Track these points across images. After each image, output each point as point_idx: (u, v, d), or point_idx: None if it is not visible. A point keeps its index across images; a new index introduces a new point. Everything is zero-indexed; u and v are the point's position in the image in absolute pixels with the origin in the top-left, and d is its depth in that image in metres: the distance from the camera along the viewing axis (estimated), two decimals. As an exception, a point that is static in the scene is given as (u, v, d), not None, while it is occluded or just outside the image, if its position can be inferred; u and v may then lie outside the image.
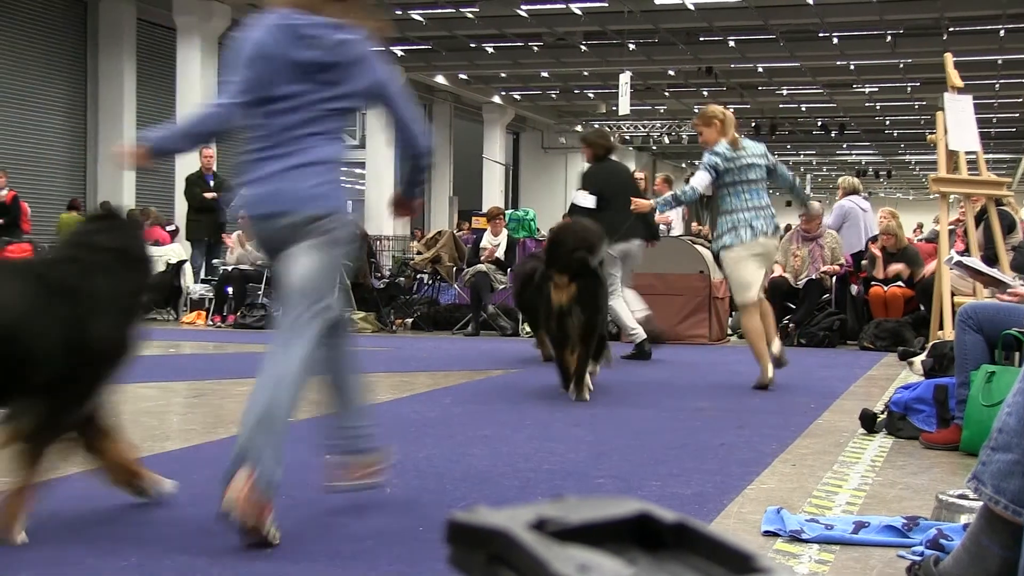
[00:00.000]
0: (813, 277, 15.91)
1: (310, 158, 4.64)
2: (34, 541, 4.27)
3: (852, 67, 36.18)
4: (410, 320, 18.27)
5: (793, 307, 16.00)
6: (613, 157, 13.02)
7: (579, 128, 48.68)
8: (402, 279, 19.38)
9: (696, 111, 42.62)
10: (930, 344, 8.26)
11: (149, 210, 24.04)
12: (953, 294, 10.51)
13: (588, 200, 12.29)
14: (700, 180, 10.11)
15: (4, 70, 26.70)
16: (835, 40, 32.48)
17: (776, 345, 10.36)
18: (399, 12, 30.15)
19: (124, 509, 4.84)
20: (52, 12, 28.08)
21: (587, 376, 9.19)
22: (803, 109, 46.13)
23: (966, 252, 10.69)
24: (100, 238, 4.72)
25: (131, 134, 28.54)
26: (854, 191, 17.87)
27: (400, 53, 35.48)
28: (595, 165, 12.78)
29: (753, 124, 46.44)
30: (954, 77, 11.15)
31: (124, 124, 28.43)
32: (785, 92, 42.17)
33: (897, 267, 15.64)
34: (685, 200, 10.75)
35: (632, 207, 10.91)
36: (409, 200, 5.40)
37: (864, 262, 16.20)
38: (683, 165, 65.99)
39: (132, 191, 28.52)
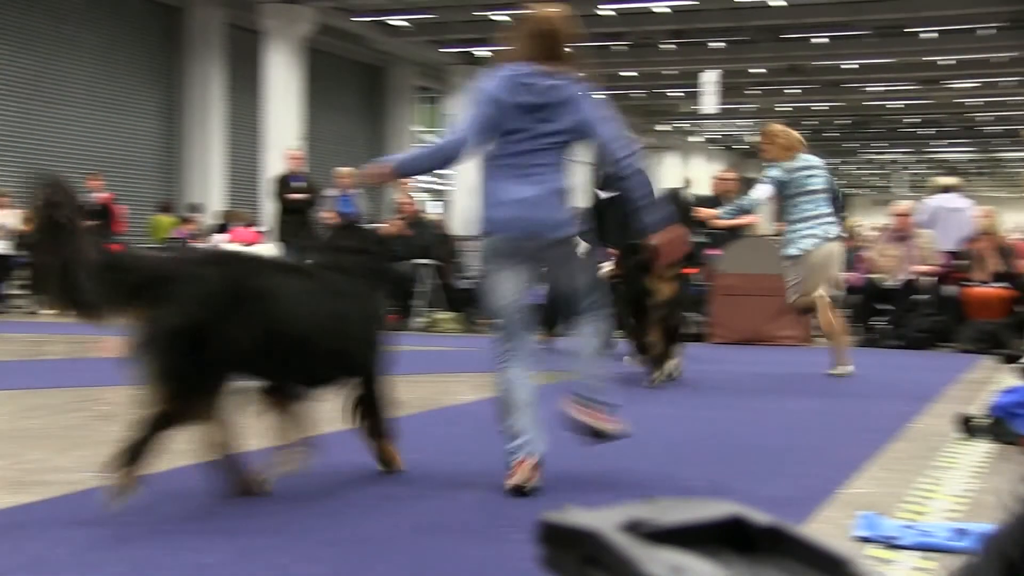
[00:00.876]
0: (907, 277, 15.71)
1: (549, 188, 5.67)
2: (128, 537, 4.32)
3: (945, 63, 35.68)
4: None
5: (885, 308, 15.80)
6: None
7: (661, 128, 48.52)
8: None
9: (783, 109, 42.19)
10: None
11: (238, 211, 24.31)
12: None
13: (605, 193, 12.57)
14: (761, 192, 11.04)
15: (98, 76, 27.11)
16: (928, 35, 32.04)
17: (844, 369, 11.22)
18: (482, 13, 30.21)
19: (213, 505, 4.88)
20: (144, 19, 28.47)
21: (669, 364, 10.24)
22: (894, 106, 45.55)
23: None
24: (352, 248, 5.84)
25: (219, 136, 28.87)
26: (945, 190, 17.63)
27: (484, 54, 35.55)
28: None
29: (843, 122, 46.01)
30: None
31: (213, 127, 28.75)
32: (874, 89, 41.68)
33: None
34: (747, 207, 11.54)
35: (700, 217, 11.45)
36: (655, 230, 6.06)
37: (960, 262, 15.95)
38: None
39: (221, 193, 28.83)
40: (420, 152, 6.13)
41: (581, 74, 5.89)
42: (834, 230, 10.97)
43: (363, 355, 5.60)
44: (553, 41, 5.84)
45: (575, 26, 5.99)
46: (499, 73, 5.81)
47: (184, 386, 4.83)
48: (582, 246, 6.00)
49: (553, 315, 11.54)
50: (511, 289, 5.72)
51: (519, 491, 5.25)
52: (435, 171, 6.10)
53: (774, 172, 10.88)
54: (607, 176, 12.35)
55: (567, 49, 5.89)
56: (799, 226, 10.82)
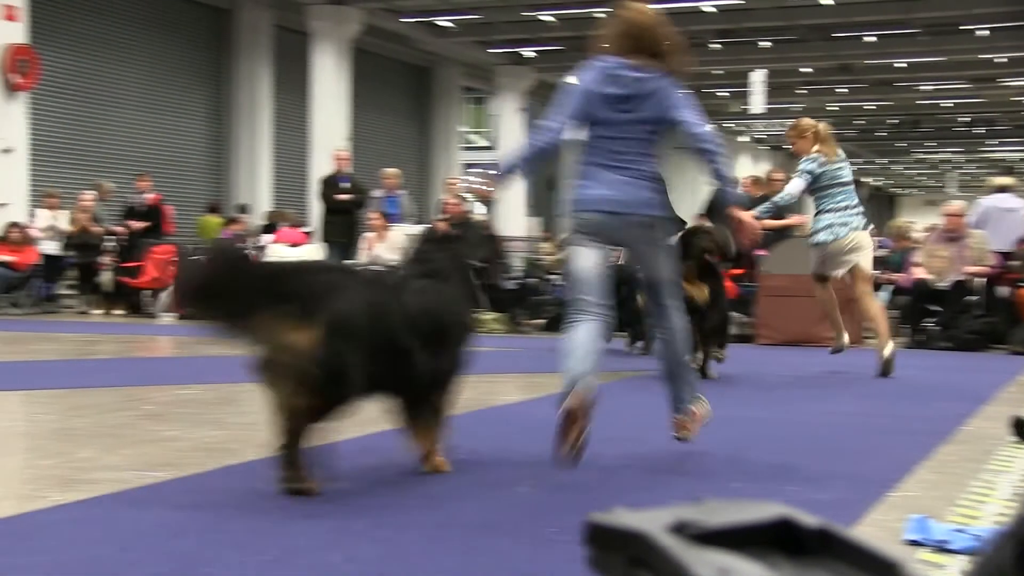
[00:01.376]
0: (958, 278, 15.57)
1: (640, 173, 6.15)
2: (175, 535, 4.35)
3: (999, 60, 35.36)
4: (541, 321, 18.29)
5: (936, 309, 15.68)
6: None
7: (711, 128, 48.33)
8: (533, 280, 19.41)
9: (833, 108, 42.05)
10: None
11: (285, 212, 24.41)
12: None
13: None
14: (796, 186, 11.40)
15: (148, 77, 27.30)
16: (981, 33, 31.77)
17: (889, 347, 11.69)
18: (529, 14, 30.20)
19: (259, 504, 4.90)
20: (193, 21, 28.65)
21: (712, 362, 10.89)
22: (947, 105, 45.19)
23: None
24: (445, 253, 6.12)
25: (267, 137, 29.02)
26: (1000, 189, 17.47)
27: (530, 54, 35.55)
28: None
29: (893, 121, 45.70)
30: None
31: (261, 128, 28.89)
32: (927, 88, 41.36)
33: None
34: (783, 204, 11.68)
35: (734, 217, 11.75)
36: (733, 207, 6.74)
37: (1013, 262, 15.80)
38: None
39: (269, 194, 28.97)
40: (521, 151, 6.40)
41: (670, 69, 6.22)
42: (862, 220, 11.55)
43: (452, 365, 5.81)
44: (642, 37, 6.19)
45: (666, 24, 6.33)
46: (590, 66, 6.24)
47: (329, 393, 5.14)
48: (672, 234, 6.43)
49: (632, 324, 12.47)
50: (591, 263, 6.17)
51: (569, 415, 5.76)
52: (543, 162, 6.40)
53: (809, 166, 11.27)
54: None
55: (657, 45, 6.21)
56: (828, 216, 11.36)
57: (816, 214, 11.49)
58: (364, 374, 5.22)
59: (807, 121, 11.71)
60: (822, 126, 11.64)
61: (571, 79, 6.42)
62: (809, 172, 11.26)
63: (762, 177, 19.02)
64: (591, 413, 5.85)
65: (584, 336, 6.04)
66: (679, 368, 6.39)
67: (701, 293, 10.45)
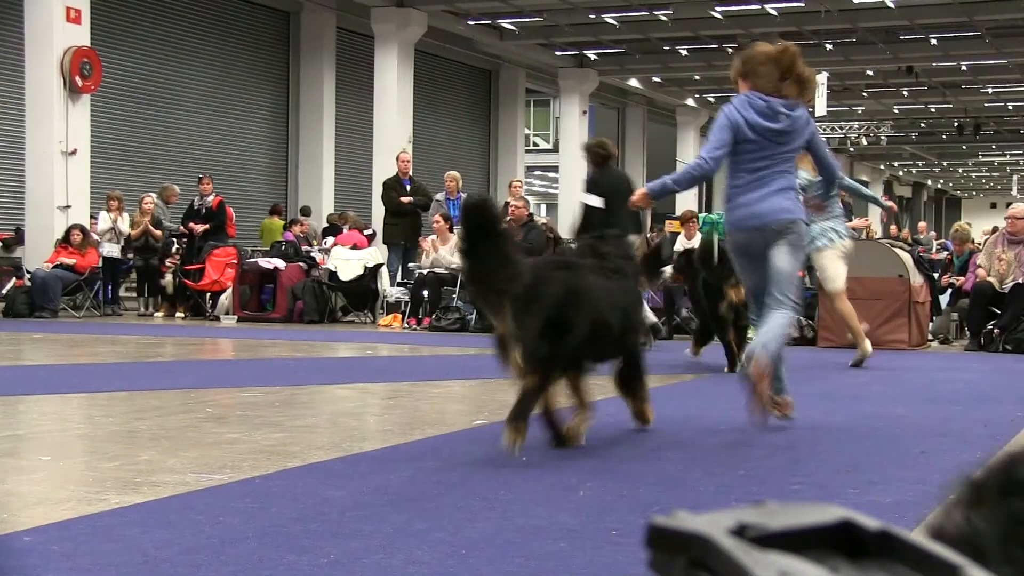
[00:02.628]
0: (1020, 281, 15.41)
1: (777, 186, 7.26)
2: (236, 538, 4.37)
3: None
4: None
5: (998, 312, 15.53)
6: (611, 163, 14.89)
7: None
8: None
9: (896, 111, 41.63)
10: None
11: (347, 214, 24.52)
12: None
13: (597, 201, 14.05)
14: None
15: (213, 80, 27.51)
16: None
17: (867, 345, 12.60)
18: (593, 16, 30.18)
19: (320, 507, 4.92)
20: (257, 23, 28.84)
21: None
22: (1010, 108, 44.76)
23: None
24: (609, 248, 7.02)
25: (330, 139, 29.17)
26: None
27: (593, 57, 35.52)
28: (598, 171, 14.48)
29: (956, 124, 45.28)
30: None
31: (324, 131, 29.03)
32: (991, 90, 40.98)
33: None
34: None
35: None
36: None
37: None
38: (881, 167, 64.72)
39: (331, 196, 29.11)
40: (677, 175, 7.72)
41: (807, 100, 7.44)
42: (844, 228, 13.04)
43: (636, 335, 7.11)
44: (786, 73, 7.23)
45: (802, 60, 7.32)
46: (743, 101, 7.26)
47: (552, 364, 6.24)
48: (803, 235, 7.50)
49: (705, 331, 12.87)
50: (751, 275, 7.52)
51: (751, 380, 7.06)
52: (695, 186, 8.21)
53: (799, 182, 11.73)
54: (589, 181, 14.53)
55: (799, 79, 7.29)
56: (827, 223, 12.53)
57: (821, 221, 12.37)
58: (583, 349, 6.41)
59: None
60: None
61: (728, 111, 7.30)
62: (803, 188, 11.60)
63: None
64: (768, 376, 7.08)
65: (770, 323, 7.27)
66: (768, 348, 7.11)
67: (739, 295, 10.71)
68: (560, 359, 6.28)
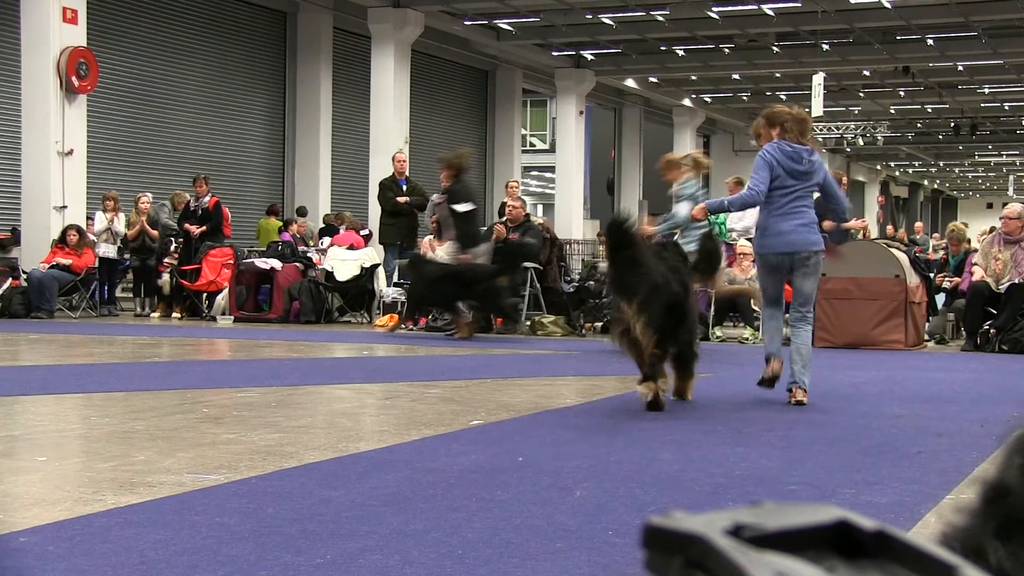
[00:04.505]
0: (1016, 281, 15.42)
1: (806, 220, 9.18)
2: (232, 538, 4.37)
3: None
4: (599, 324, 18.27)
5: (994, 312, 15.54)
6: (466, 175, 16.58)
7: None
8: (592, 283, 19.38)
9: (892, 111, 41.56)
10: None
11: (344, 215, 24.51)
12: None
13: (467, 207, 15.89)
14: (687, 209, 13.01)
15: (207, 80, 27.49)
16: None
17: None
18: (590, 16, 30.18)
19: (316, 507, 4.92)
20: (254, 23, 28.82)
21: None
22: (1007, 108, 44.78)
23: None
24: (669, 254, 9.43)
25: (326, 140, 29.17)
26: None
27: (590, 57, 35.51)
28: (455, 182, 16.23)
29: (952, 124, 45.29)
30: None
31: (320, 131, 29.02)
32: (987, 91, 41.00)
33: None
34: (678, 224, 13.35)
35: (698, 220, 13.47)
36: (837, 247, 11.18)
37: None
38: (877, 167, 64.75)
39: (328, 196, 29.10)
40: (728, 199, 10.35)
41: (816, 146, 9.58)
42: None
43: (693, 321, 9.08)
44: (805, 127, 9.42)
45: (810, 118, 9.94)
46: (776, 147, 9.20)
47: (668, 340, 8.47)
48: (821, 262, 9.49)
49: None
50: (773, 285, 9.42)
51: (772, 376, 9.34)
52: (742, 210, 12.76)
53: (692, 190, 13.20)
54: (451, 192, 16.05)
55: (810, 132, 9.58)
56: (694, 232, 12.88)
57: (685, 231, 12.87)
58: (680, 331, 8.64)
59: (680, 155, 14.02)
60: (695, 154, 14.16)
61: (766, 152, 9.23)
62: (695, 197, 12.84)
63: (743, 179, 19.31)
64: (782, 372, 9.27)
65: (773, 327, 9.50)
66: (801, 356, 9.14)
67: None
68: (672, 337, 8.48)
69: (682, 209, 12.99)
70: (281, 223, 25.47)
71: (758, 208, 12.00)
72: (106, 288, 21.16)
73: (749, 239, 14.37)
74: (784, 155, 9.15)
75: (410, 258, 17.49)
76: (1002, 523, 0.96)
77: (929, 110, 44.97)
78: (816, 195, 9.40)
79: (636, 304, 8.20)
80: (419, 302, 16.98)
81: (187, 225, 20.77)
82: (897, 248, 16.75)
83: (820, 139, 48.86)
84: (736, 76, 38.78)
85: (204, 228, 20.65)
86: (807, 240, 9.13)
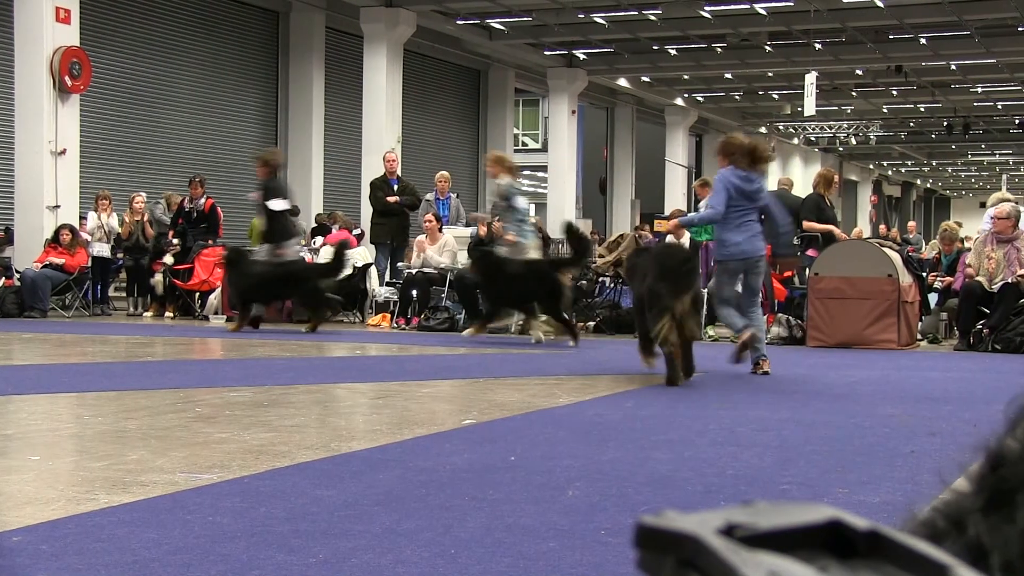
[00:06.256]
0: (1009, 281, 15.44)
1: (754, 232, 11.39)
2: (225, 537, 4.37)
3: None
4: (592, 323, 18.27)
5: (987, 311, 15.56)
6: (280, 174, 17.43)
7: (763, 130, 48.21)
8: (584, 282, 19.38)
9: (885, 111, 41.54)
10: None
11: (336, 214, 24.50)
12: None
13: (283, 204, 16.80)
14: (524, 202, 15.85)
15: (199, 80, 27.47)
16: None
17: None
18: (582, 15, 30.19)
19: (308, 507, 4.92)
20: (246, 23, 28.80)
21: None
22: (999, 107, 44.83)
23: None
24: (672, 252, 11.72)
25: (319, 139, 29.15)
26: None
27: (582, 56, 35.52)
28: (270, 179, 16.95)
29: (945, 124, 45.34)
30: None
31: (313, 130, 29.00)
32: (980, 90, 41.04)
33: None
34: (523, 218, 15.69)
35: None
36: (788, 257, 14.64)
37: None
38: (870, 167, 64.80)
39: (320, 196, 29.09)
40: (696, 216, 12.92)
41: (763, 172, 11.79)
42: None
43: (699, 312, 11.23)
44: (754, 156, 11.43)
45: (763, 144, 12.13)
46: (731, 172, 11.30)
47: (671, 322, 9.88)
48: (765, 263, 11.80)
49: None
50: (732, 288, 11.45)
51: (744, 345, 11.10)
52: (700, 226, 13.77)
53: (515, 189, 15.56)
54: (267, 189, 16.74)
55: (761, 159, 11.59)
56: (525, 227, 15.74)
57: (516, 223, 15.20)
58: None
59: (505, 155, 16.17)
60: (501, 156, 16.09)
61: (722, 177, 11.34)
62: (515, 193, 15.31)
63: (709, 180, 19.43)
64: (752, 343, 11.13)
65: (732, 315, 11.39)
66: (761, 333, 11.47)
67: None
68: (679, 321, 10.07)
69: (522, 203, 15.47)
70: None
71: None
72: (99, 287, 21.12)
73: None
74: (739, 179, 11.27)
75: (228, 255, 17.64)
76: (990, 496, 0.96)
77: (922, 109, 45.02)
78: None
79: (687, 305, 10.19)
80: (243, 297, 17.02)
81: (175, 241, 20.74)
82: (890, 247, 16.76)
83: (813, 138, 48.99)
84: (728, 75, 38.81)
85: (210, 241, 20.62)
86: (756, 247, 11.41)
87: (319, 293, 16.81)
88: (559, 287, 14.74)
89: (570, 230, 15.16)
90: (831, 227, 16.79)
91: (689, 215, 13.71)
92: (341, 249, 17.49)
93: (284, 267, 16.74)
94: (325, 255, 20.41)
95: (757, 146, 11.70)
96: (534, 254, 15.72)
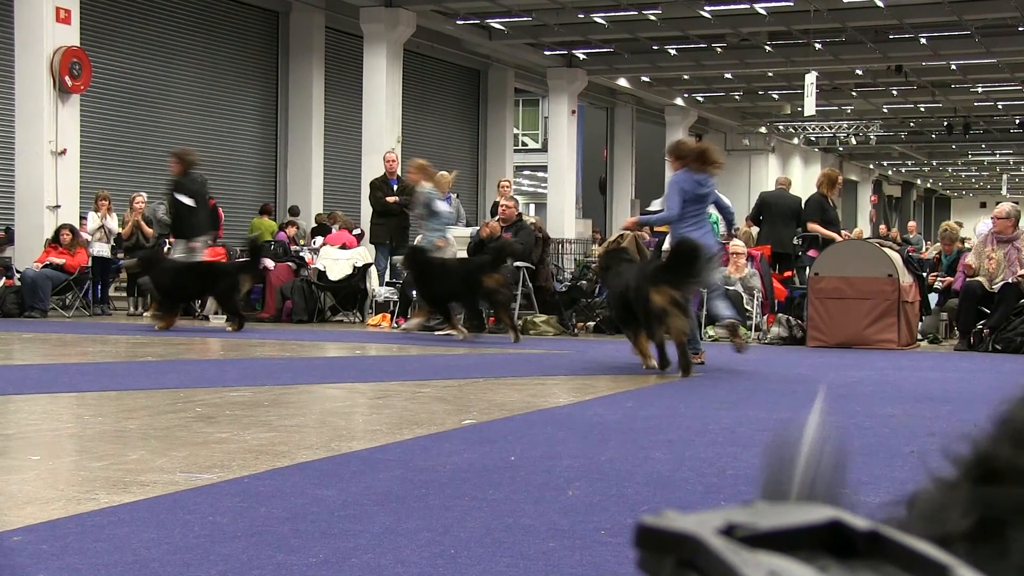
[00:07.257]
0: (1009, 281, 15.44)
1: (707, 229, 12.04)
2: (225, 537, 4.36)
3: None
4: (592, 323, 18.27)
5: (988, 311, 15.56)
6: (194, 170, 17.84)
7: (763, 130, 48.21)
8: (584, 282, 19.39)
9: (885, 111, 41.57)
10: None
11: (336, 214, 24.50)
12: None
13: (190, 200, 17.25)
14: (447, 207, 17.46)
15: (199, 80, 27.47)
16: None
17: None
18: (582, 15, 30.18)
19: (309, 506, 4.92)
20: (246, 23, 28.80)
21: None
22: (1000, 107, 44.81)
23: None
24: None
25: (319, 139, 29.15)
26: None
27: (582, 56, 35.52)
28: (184, 176, 17.59)
29: (945, 123, 45.33)
30: None
31: (312, 130, 29.00)
32: (980, 90, 41.03)
33: None
34: (449, 221, 17.46)
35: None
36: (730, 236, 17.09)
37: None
38: (870, 166, 64.80)
39: (320, 196, 29.09)
40: (653, 216, 13.95)
41: (714, 174, 12.22)
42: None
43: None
44: (704, 158, 12.01)
45: (716, 149, 12.58)
46: (685, 175, 11.90)
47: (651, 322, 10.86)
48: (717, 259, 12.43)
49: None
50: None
51: (729, 327, 12.41)
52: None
53: (436, 194, 16.98)
54: (178, 184, 17.46)
55: (713, 162, 12.10)
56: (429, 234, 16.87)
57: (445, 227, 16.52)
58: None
59: (426, 162, 17.05)
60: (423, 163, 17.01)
61: (676, 181, 11.96)
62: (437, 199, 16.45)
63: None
64: (733, 330, 12.32)
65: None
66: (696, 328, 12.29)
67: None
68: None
69: (443, 207, 16.63)
70: (280, 223, 25.49)
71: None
72: (99, 287, 21.12)
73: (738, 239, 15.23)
74: (692, 182, 11.91)
75: (144, 255, 17.99)
76: (979, 520, 0.94)
77: (922, 109, 45.02)
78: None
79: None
80: (165, 296, 17.05)
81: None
82: (890, 247, 16.76)
83: (813, 138, 48.98)
84: (728, 75, 38.80)
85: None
86: (712, 243, 12.07)
87: (234, 292, 16.81)
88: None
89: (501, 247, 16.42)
90: (835, 235, 16.85)
91: (647, 215, 14.61)
92: (255, 247, 17.63)
93: (201, 264, 17.01)
94: (326, 255, 20.42)
95: (707, 149, 12.28)
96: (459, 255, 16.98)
